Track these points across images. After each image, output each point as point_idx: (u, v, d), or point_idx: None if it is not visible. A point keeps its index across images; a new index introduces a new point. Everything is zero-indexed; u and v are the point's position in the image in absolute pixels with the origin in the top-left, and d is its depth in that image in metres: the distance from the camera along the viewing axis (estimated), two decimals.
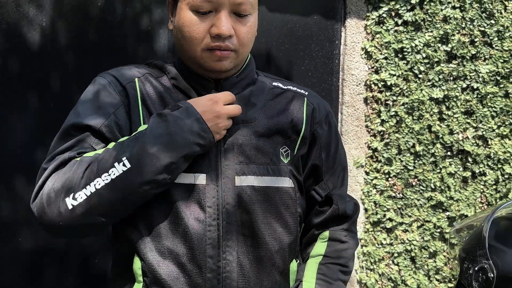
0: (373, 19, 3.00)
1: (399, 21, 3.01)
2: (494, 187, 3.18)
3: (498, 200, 3.18)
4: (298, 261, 1.25)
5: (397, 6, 3.00)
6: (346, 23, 3.02)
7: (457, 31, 3.09)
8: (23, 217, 2.50)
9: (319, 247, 1.23)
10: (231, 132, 1.15)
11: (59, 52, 2.56)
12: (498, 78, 3.17)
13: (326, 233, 1.24)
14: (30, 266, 2.52)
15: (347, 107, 3.04)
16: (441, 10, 3.06)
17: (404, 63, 3.03)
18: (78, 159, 1.07)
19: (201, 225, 1.10)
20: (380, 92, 3.04)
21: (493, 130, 3.16)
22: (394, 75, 3.02)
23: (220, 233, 1.10)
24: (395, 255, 3.04)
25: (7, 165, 2.46)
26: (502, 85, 3.17)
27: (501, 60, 3.16)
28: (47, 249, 2.54)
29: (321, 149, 1.24)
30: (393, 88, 3.03)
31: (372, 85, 3.03)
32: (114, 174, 1.03)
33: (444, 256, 3.12)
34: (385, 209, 3.02)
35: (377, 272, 3.02)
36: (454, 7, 3.08)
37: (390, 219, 3.03)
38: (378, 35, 3.00)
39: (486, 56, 3.15)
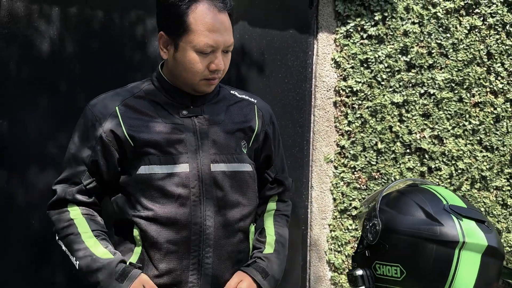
0: (341, 33, 3.40)
1: (364, 35, 3.42)
2: (449, 180, 3.58)
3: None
4: (255, 224, 1.68)
5: (363, 22, 3.41)
6: (318, 37, 3.40)
7: (416, 44, 3.51)
8: (36, 203, 2.81)
9: (272, 205, 1.68)
10: (206, 131, 1.51)
11: (66, 59, 2.84)
12: (453, 85, 3.58)
13: (276, 197, 1.69)
14: (42, 247, 2.82)
15: (318, 109, 3.44)
16: (402, 25, 3.47)
17: (368, 72, 3.44)
18: (73, 218, 1.53)
19: (187, 202, 1.46)
20: (347, 97, 3.44)
21: (448, 131, 3.57)
22: (360, 82, 3.43)
23: (202, 206, 1.48)
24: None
25: (22, 157, 2.77)
26: (456, 91, 3.58)
27: (456, 69, 3.57)
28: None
29: (271, 144, 1.66)
30: (358, 93, 3.43)
31: (341, 91, 3.43)
32: (72, 259, 1.51)
33: None
34: (351, 198, 3.43)
35: (344, 254, 3.43)
36: (413, 23, 3.50)
37: (356, 208, 3.44)
38: (346, 47, 3.41)
39: (442, 66, 3.56)
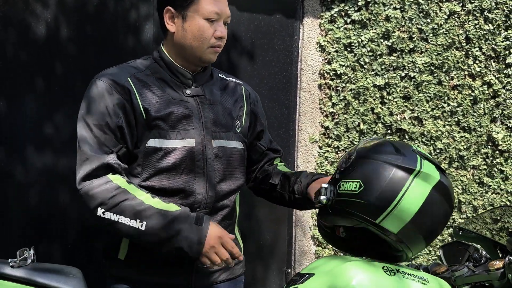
0: (326, 18, 3.53)
1: (348, 20, 3.54)
2: None
3: None
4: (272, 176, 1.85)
5: (346, 7, 3.53)
6: (304, 21, 3.50)
7: (397, 29, 3.64)
8: (33, 179, 2.91)
9: (280, 163, 1.89)
10: (208, 110, 1.63)
11: (62, 43, 2.91)
12: (433, 68, 3.72)
13: (279, 159, 1.89)
14: (38, 221, 2.92)
15: (304, 92, 3.57)
16: (384, 10, 3.60)
17: (352, 56, 3.57)
18: (121, 186, 1.47)
19: (192, 174, 1.59)
20: (332, 80, 3.57)
21: (427, 112, 3.72)
22: (344, 65, 3.56)
23: (205, 178, 1.61)
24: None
25: (19, 136, 2.85)
26: (435, 74, 3.73)
27: (435, 53, 3.71)
28: (53, 206, 2.94)
29: (261, 120, 1.81)
30: (342, 76, 3.56)
31: (325, 74, 3.56)
32: (132, 224, 1.44)
33: None
34: None
35: None
36: (395, 8, 3.62)
37: None
38: (330, 32, 3.54)
39: (423, 50, 3.70)
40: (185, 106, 1.61)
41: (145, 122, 1.55)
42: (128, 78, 1.55)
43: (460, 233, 1.76)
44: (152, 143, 1.55)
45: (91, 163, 1.48)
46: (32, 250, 1.57)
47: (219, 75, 1.77)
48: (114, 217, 1.45)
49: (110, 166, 1.48)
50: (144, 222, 1.44)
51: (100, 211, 1.46)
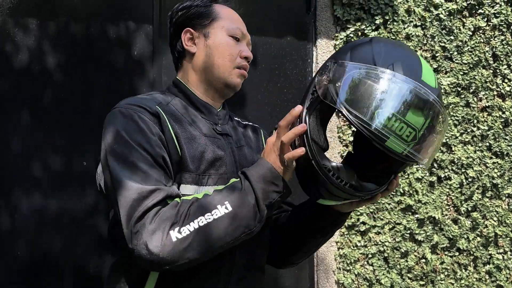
0: (341, 39, 3.24)
1: None
2: (459, 190, 3.41)
3: (463, 202, 3.42)
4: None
5: (363, 27, 3.25)
6: (317, 43, 3.25)
7: (419, 47, 3.35)
8: (20, 226, 2.67)
9: None
10: (236, 153, 1.39)
11: (47, 70, 2.70)
12: (459, 89, 3.42)
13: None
14: (28, 272, 2.66)
15: None
16: (404, 28, 3.32)
17: None
18: (177, 200, 1.17)
19: None
20: None
21: (456, 137, 3.41)
22: None
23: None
24: (369, 256, 3.26)
25: (4, 176, 2.62)
26: (462, 96, 3.42)
27: (461, 73, 3.42)
28: (44, 252, 2.70)
29: None
30: None
31: None
32: (216, 215, 1.14)
33: (415, 255, 3.34)
34: (358, 213, 3.24)
35: (353, 273, 3.23)
36: (415, 26, 3.34)
37: (364, 223, 3.25)
38: None
39: (447, 69, 3.41)
40: (218, 145, 1.36)
41: (179, 160, 1.27)
42: (157, 106, 1.30)
43: None
44: (184, 189, 1.27)
45: (151, 199, 1.16)
46: None
47: (235, 118, 1.57)
48: (195, 224, 1.14)
49: (168, 197, 1.19)
50: (225, 202, 1.17)
51: (175, 234, 1.13)
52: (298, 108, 1.22)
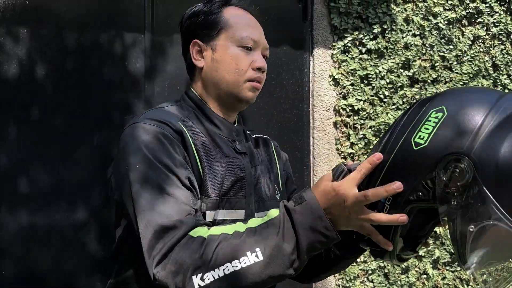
0: (338, 48, 3.17)
1: (363, 50, 3.18)
2: None
3: None
4: None
5: (361, 36, 3.17)
6: (314, 53, 3.17)
7: (418, 57, 3.27)
8: (4, 244, 2.57)
9: None
10: (254, 173, 1.30)
11: (35, 82, 2.63)
12: None
13: None
14: None
15: (318, 131, 3.18)
16: (402, 38, 3.24)
17: (369, 89, 3.19)
18: (203, 234, 1.05)
19: None
20: (348, 116, 3.19)
21: None
22: (361, 100, 3.18)
23: None
24: (370, 272, 3.15)
25: None
26: None
27: (461, 83, 3.34)
28: (32, 271, 2.60)
29: (292, 179, 1.49)
30: (360, 112, 3.18)
31: (341, 110, 3.18)
32: (245, 263, 1.02)
33: (416, 271, 3.24)
34: None
35: None
36: (414, 35, 3.27)
37: None
38: (344, 63, 3.16)
39: (447, 80, 3.34)
40: (238, 166, 1.25)
41: (200, 183, 1.16)
42: (180, 123, 1.21)
43: None
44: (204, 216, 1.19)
45: (175, 231, 1.05)
46: None
47: (246, 130, 1.47)
48: (220, 271, 1.02)
49: (191, 229, 1.08)
50: (257, 249, 1.03)
51: (197, 281, 1.02)
52: (379, 155, 1.02)
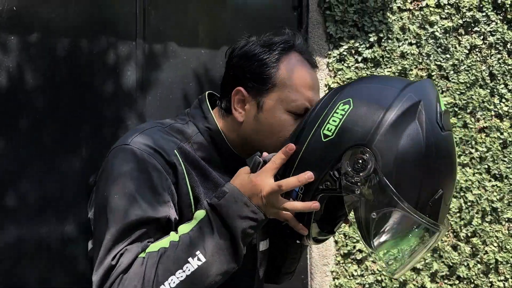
0: (334, 57, 3.11)
1: (359, 58, 3.13)
2: (458, 214, 3.27)
3: (462, 227, 3.27)
4: None
5: (357, 44, 3.12)
6: None
7: (415, 66, 3.22)
8: None
9: None
10: None
11: (23, 92, 2.54)
12: (456, 109, 3.30)
13: None
14: None
15: None
16: (398, 46, 3.19)
17: None
18: (142, 255, 1.03)
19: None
20: None
21: None
22: None
23: (255, 278, 1.24)
24: (367, 285, 3.08)
25: None
26: (460, 116, 3.30)
27: (458, 92, 3.30)
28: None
29: None
30: None
31: None
32: (189, 270, 1.02)
33: (414, 285, 3.17)
34: (354, 240, 3.07)
35: None
36: (410, 44, 3.22)
37: (360, 250, 3.07)
38: (340, 72, 3.11)
39: (444, 89, 3.29)
40: None
41: (190, 215, 1.10)
42: (175, 151, 1.13)
43: None
44: None
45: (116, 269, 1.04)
46: None
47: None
48: (167, 287, 1.01)
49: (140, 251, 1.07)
50: (197, 253, 1.04)
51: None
52: (291, 146, 1.06)
